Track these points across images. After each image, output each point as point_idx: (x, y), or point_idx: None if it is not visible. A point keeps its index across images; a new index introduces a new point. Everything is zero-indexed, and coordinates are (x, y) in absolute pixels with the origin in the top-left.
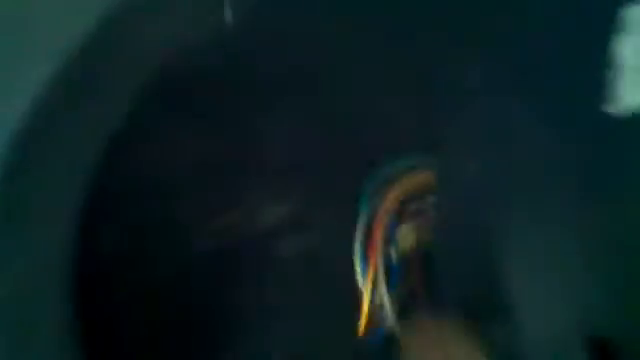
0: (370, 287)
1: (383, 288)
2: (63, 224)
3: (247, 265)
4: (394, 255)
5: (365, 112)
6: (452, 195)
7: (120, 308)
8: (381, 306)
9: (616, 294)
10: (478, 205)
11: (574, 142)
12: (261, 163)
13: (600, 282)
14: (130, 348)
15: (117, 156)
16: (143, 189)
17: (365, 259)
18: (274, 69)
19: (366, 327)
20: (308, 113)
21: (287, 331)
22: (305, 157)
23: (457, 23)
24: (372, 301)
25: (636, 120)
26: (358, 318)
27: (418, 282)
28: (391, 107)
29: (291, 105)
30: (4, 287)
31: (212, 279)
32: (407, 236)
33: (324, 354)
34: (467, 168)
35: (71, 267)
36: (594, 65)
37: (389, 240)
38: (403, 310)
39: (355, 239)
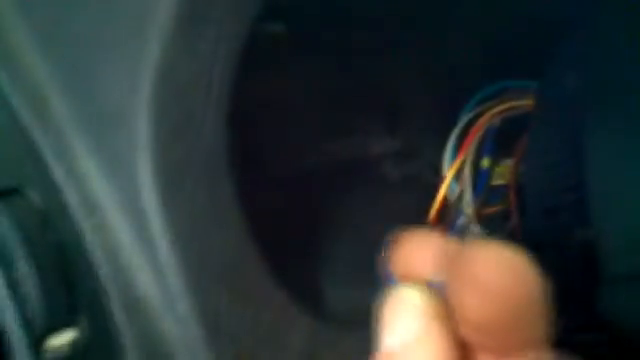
0: (452, 175)
1: (467, 179)
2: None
3: (355, 182)
4: (487, 169)
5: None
6: (548, 108)
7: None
8: (460, 198)
9: None
10: (574, 117)
11: None
12: (376, 99)
13: None
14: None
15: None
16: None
17: (455, 152)
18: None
19: (438, 217)
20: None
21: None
22: (416, 93)
23: None
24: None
25: None
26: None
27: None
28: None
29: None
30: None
31: (321, 189)
32: (508, 167)
33: None
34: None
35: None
36: None
37: (485, 150)
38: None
39: (450, 139)
